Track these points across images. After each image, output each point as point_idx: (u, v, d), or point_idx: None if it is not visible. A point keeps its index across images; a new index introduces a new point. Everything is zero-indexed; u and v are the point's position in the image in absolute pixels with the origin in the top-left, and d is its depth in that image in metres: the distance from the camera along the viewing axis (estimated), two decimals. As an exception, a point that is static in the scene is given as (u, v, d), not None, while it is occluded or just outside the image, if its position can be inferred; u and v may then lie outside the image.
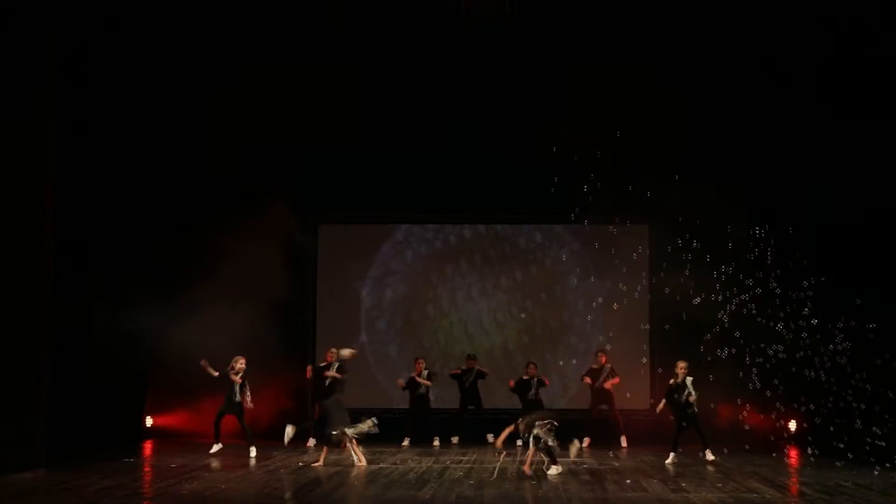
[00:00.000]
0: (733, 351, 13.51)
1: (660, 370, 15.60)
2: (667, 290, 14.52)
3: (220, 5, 13.98)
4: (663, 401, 13.75)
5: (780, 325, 13.47)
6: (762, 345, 13.50)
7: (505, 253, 17.51)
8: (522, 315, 17.31)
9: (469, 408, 16.07)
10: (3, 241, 12.16)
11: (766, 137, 15.52)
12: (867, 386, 12.99)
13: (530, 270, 17.42)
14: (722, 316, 13.50)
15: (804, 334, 13.44)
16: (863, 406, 12.85)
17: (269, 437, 15.61)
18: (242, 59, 15.04)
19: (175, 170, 16.18)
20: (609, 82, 15.19)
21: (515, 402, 15.96)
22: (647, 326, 16.52)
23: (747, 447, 14.22)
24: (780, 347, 13.33)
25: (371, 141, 16.31)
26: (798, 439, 15.44)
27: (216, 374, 14.15)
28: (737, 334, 13.56)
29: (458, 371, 16.24)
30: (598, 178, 14.16)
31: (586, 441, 15.61)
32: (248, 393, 14.13)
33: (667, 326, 15.04)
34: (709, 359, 13.84)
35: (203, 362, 14.15)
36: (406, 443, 15.54)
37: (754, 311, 13.46)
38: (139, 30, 14.31)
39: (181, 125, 15.87)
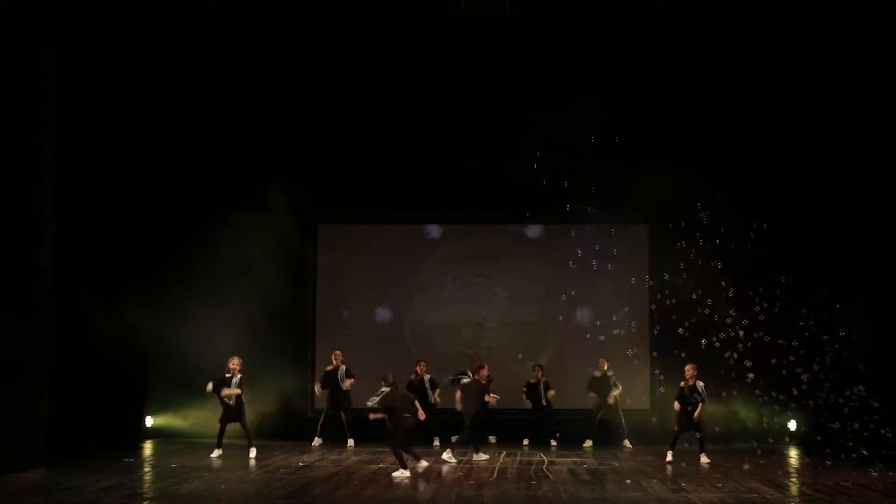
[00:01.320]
0: (737, 349, 13.45)
1: (658, 372, 15.60)
2: (667, 292, 14.52)
3: (219, 5, 13.96)
4: (676, 403, 13.70)
5: (778, 327, 13.44)
6: (762, 344, 13.48)
7: (505, 253, 17.45)
8: (522, 316, 17.28)
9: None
10: (3, 242, 12.15)
11: (770, 137, 15.53)
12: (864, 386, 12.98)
13: (531, 271, 17.35)
14: (723, 315, 13.46)
15: (805, 333, 13.44)
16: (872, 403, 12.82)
17: (270, 437, 15.63)
18: (242, 59, 15.02)
19: (175, 170, 16.17)
20: (610, 82, 15.16)
21: (513, 403, 15.98)
22: (648, 326, 16.48)
23: (748, 448, 14.20)
24: (781, 345, 13.30)
25: (371, 141, 16.26)
26: (798, 439, 15.44)
27: (210, 389, 14.23)
28: (736, 332, 13.53)
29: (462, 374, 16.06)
30: (599, 177, 14.15)
31: (588, 443, 15.65)
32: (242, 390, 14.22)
33: (673, 341, 14.85)
34: (713, 365, 13.85)
35: (216, 389, 14.19)
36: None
37: (755, 311, 13.43)
38: (140, 29, 14.29)
39: (181, 125, 15.86)
